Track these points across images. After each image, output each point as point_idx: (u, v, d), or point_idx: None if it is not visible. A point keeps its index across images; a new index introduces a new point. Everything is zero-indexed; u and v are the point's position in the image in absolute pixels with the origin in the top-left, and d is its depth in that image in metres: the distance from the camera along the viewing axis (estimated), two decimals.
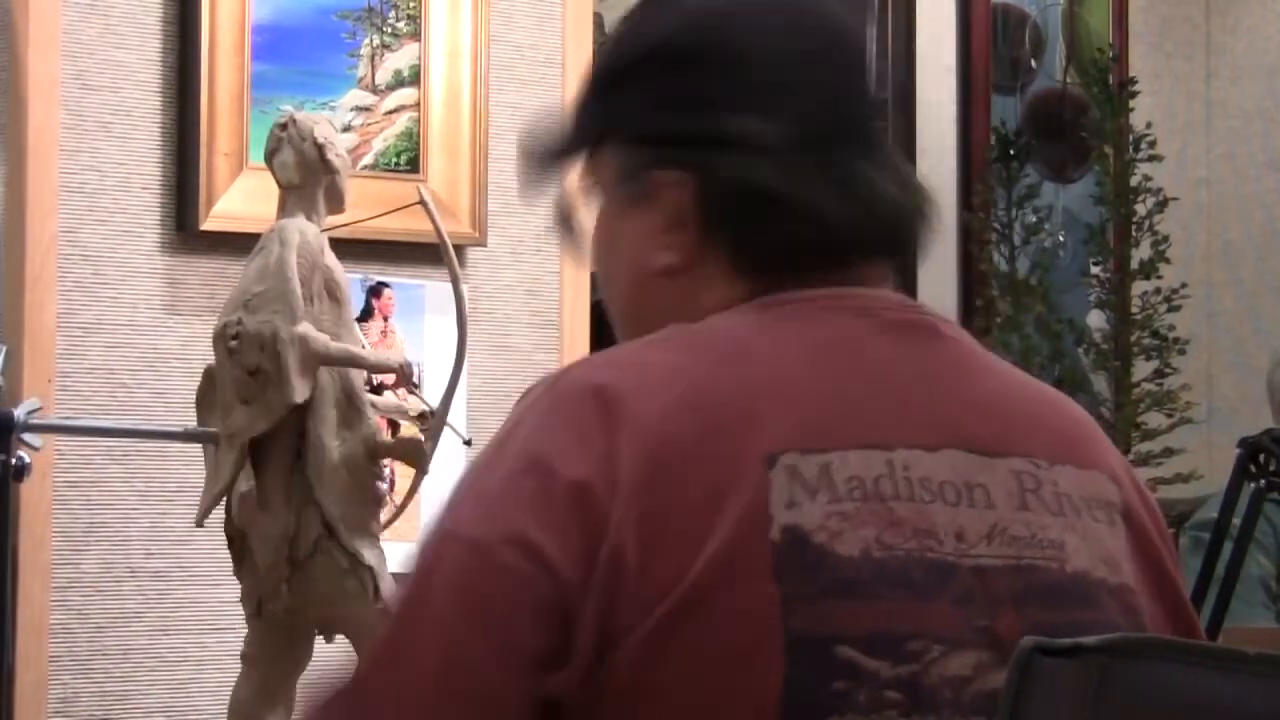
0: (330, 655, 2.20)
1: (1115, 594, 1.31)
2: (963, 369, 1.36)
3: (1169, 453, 4.56)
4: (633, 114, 1.39)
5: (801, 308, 1.34)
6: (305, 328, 2.15)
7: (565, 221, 1.51)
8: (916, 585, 1.25)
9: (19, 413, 2.10)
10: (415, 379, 2.32)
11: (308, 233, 2.22)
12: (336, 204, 2.28)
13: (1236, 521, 2.64)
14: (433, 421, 2.25)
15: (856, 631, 1.23)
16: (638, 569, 1.21)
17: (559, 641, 1.21)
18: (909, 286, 3.06)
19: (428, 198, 2.29)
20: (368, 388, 2.29)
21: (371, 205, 2.50)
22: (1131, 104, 4.94)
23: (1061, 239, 5.15)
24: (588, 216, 1.45)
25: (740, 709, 1.21)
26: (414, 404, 2.30)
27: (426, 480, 2.27)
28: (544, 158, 1.45)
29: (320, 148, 2.24)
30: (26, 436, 2.10)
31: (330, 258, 2.26)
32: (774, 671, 1.21)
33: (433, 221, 2.25)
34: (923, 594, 1.25)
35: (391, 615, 1.26)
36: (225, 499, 2.22)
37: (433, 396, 2.27)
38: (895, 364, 1.33)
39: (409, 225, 2.49)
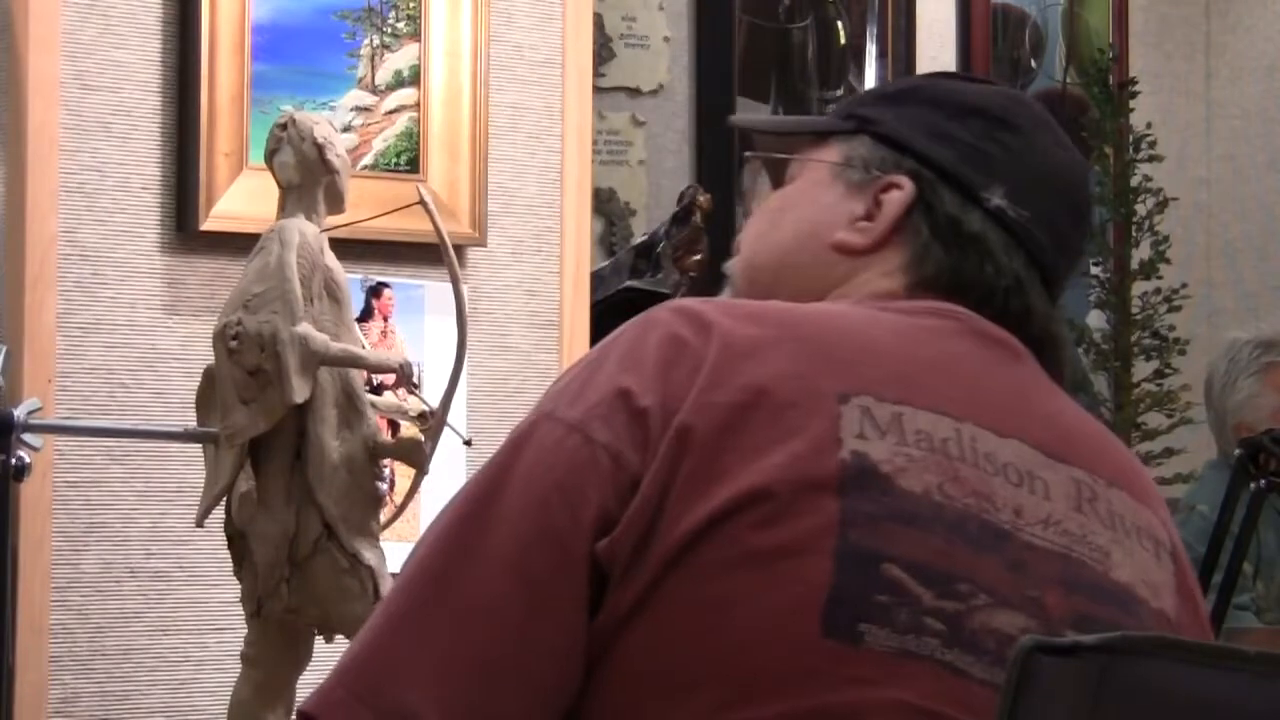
0: (330, 655, 2.20)
1: (1154, 616, 1.36)
2: (1036, 387, 1.44)
3: (1169, 453, 4.56)
4: (900, 125, 1.53)
5: (900, 305, 1.45)
6: (305, 328, 2.15)
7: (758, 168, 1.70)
8: (972, 536, 1.30)
9: (19, 413, 2.10)
10: (415, 379, 2.32)
11: (307, 233, 2.22)
12: (336, 204, 2.28)
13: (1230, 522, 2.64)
14: (433, 421, 2.25)
15: (909, 556, 1.28)
16: (703, 456, 1.28)
17: (623, 511, 1.28)
18: None
19: (428, 198, 2.29)
20: (368, 388, 2.29)
21: (371, 205, 2.50)
22: (1131, 104, 4.95)
23: None
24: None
25: (781, 601, 1.26)
26: (414, 404, 2.30)
27: (426, 480, 2.27)
28: (792, 127, 1.67)
29: (320, 147, 2.24)
30: (27, 437, 2.10)
31: (330, 257, 2.26)
32: (821, 573, 1.26)
33: (433, 221, 2.25)
34: (978, 546, 1.30)
35: (485, 469, 1.34)
36: (225, 499, 2.22)
37: (433, 397, 2.27)
38: (974, 358, 1.41)
39: (409, 225, 2.49)
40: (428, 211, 2.25)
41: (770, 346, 1.34)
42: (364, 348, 2.27)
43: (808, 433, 1.30)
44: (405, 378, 2.25)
